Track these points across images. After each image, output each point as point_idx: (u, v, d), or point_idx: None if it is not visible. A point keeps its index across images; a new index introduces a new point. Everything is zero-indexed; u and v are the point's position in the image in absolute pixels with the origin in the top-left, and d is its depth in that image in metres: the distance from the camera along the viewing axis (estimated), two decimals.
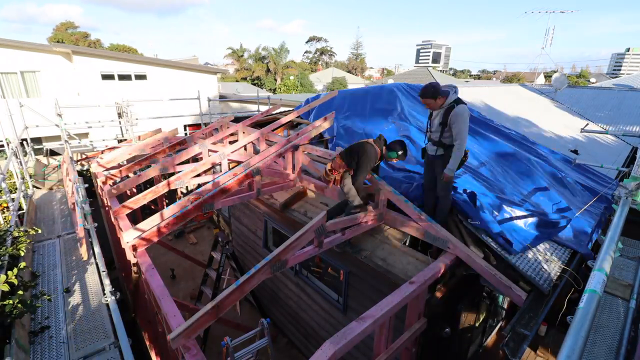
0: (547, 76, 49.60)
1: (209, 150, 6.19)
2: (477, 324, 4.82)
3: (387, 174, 4.98)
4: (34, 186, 7.28)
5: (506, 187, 5.01)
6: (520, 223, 4.11)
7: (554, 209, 4.79)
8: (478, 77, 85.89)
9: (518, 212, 4.25)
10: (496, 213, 4.13)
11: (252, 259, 6.68)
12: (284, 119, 7.01)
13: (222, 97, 17.82)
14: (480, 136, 6.64)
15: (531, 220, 4.19)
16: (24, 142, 8.77)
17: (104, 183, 5.62)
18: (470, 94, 10.37)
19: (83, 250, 4.44)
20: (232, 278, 6.64)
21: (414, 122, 6.29)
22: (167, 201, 9.41)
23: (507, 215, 4.16)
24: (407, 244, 4.14)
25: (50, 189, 7.46)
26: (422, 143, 5.41)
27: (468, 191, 4.26)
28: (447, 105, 3.69)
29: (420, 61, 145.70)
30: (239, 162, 6.17)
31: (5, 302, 2.84)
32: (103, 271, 3.72)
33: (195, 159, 7.20)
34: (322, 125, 5.74)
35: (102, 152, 8.71)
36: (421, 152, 4.22)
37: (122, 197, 7.18)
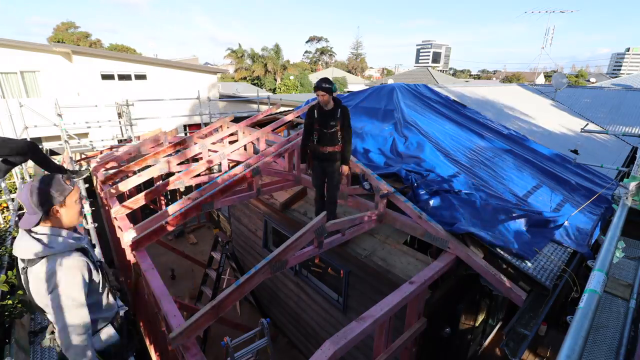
0: (547, 76, 49.66)
1: (209, 150, 6.19)
2: (477, 324, 4.83)
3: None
4: None
5: (502, 187, 5.01)
6: (520, 226, 4.10)
7: (551, 208, 4.79)
8: (478, 77, 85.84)
9: (514, 214, 4.24)
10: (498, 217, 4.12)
11: (252, 259, 6.68)
12: (284, 119, 7.01)
13: (222, 97, 17.82)
14: (476, 134, 6.64)
15: (529, 222, 4.18)
16: None
17: (104, 183, 5.62)
18: (469, 93, 10.37)
19: None
20: (232, 278, 6.65)
21: (411, 121, 6.29)
22: (166, 201, 9.42)
23: (504, 217, 4.15)
24: (407, 244, 4.14)
25: None
26: (412, 142, 5.42)
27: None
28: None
29: (420, 61, 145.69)
30: (239, 162, 6.17)
31: (5, 302, 2.84)
32: None
33: (195, 159, 7.20)
34: None
35: (102, 152, 8.72)
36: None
37: (122, 197, 7.17)
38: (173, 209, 4.14)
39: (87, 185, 5.08)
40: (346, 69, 60.02)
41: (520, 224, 4.09)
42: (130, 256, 3.75)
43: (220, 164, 5.73)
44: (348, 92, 10.00)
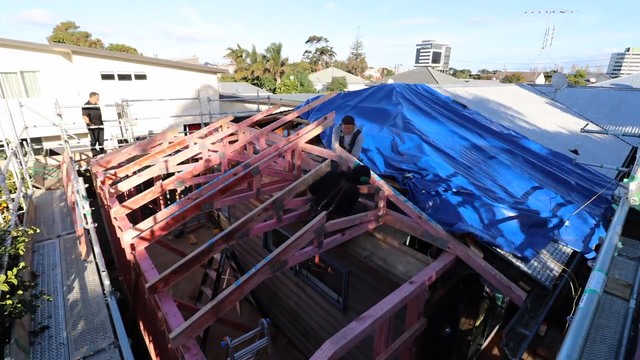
0: (547, 76, 49.62)
1: (209, 150, 6.19)
2: (477, 324, 4.82)
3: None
4: (33, 186, 7.28)
5: (501, 188, 5.01)
6: (519, 226, 4.09)
7: (551, 208, 4.79)
8: (478, 77, 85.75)
9: (513, 214, 4.24)
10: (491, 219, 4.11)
11: (252, 259, 6.68)
12: (284, 119, 7.01)
13: (222, 97, 17.80)
14: (476, 135, 6.64)
15: (529, 222, 4.18)
16: (24, 142, 8.76)
17: (104, 183, 5.61)
18: (469, 93, 10.37)
19: (82, 250, 4.44)
20: (232, 278, 6.64)
21: (411, 121, 6.29)
22: (166, 201, 9.41)
23: (503, 217, 4.15)
24: (407, 244, 4.14)
25: (50, 188, 7.45)
26: (411, 142, 5.42)
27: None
28: (355, 130, 5.09)
29: (420, 61, 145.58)
30: (239, 162, 6.17)
31: (5, 302, 2.84)
32: (103, 271, 3.71)
33: (195, 159, 7.20)
34: (322, 125, 5.73)
35: (105, 151, 8.71)
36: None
37: (122, 197, 7.17)
38: (173, 209, 4.14)
39: (87, 185, 5.07)
40: (346, 69, 59.95)
41: (520, 224, 4.08)
42: (130, 256, 3.75)
43: (220, 164, 5.73)
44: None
